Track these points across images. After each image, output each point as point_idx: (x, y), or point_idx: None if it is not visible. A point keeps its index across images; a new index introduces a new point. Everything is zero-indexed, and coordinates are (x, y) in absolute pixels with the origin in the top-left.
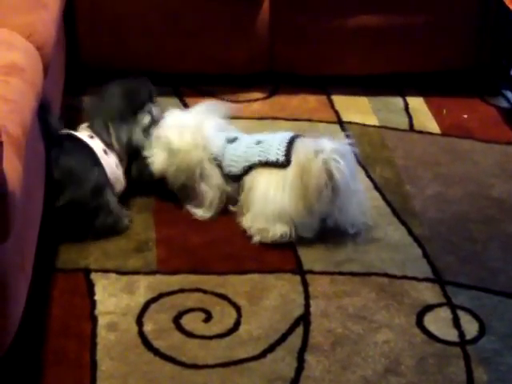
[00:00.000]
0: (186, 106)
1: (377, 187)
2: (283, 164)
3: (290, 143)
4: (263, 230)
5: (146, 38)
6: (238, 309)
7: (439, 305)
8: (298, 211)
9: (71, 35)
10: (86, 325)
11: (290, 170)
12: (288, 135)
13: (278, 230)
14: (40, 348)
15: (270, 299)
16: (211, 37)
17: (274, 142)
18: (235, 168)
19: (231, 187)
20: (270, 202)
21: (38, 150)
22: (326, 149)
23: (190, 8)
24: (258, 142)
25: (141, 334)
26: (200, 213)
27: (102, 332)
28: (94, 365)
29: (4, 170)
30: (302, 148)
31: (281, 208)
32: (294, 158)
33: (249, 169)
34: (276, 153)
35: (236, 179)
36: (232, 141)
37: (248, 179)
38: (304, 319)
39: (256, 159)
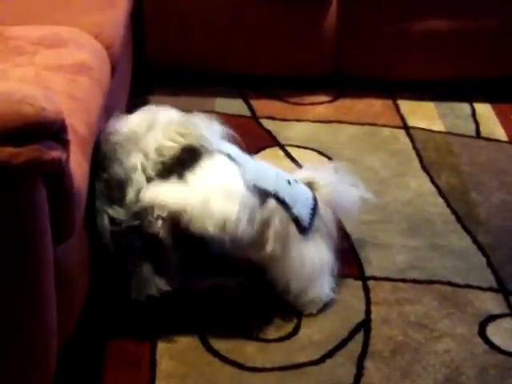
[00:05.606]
0: (250, 107)
1: (441, 194)
2: None
3: None
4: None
5: (211, 39)
6: (298, 313)
7: (502, 315)
8: None
9: (137, 34)
10: None
11: None
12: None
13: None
14: (100, 346)
15: (330, 304)
16: (277, 39)
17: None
18: None
19: None
20: None
21: None
22: None
23: (255, 10)
24: None
25: (201, 335)
26: None
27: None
28: (153, 364)
29: (70, 168)
30: None
31: None
32: None
33: None
34: None
35: None
36: None
37: None
38: (364, 325)
39: None
